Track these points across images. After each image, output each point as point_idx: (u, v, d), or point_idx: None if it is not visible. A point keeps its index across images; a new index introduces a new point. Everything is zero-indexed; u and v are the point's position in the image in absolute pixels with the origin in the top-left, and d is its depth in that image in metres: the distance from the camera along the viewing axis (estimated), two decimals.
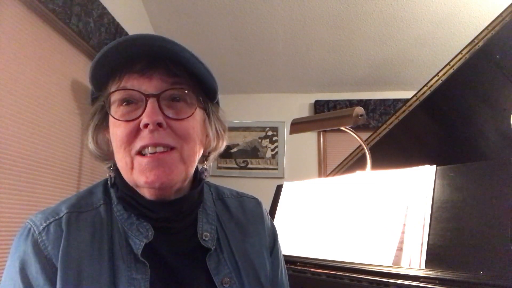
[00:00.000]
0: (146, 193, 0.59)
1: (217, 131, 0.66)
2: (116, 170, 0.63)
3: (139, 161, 0.56)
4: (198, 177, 0.66)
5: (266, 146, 3.53)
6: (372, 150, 1.40)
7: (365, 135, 1.52)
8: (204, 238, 0.62)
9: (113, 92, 0.58)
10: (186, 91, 0.59)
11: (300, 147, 3.47)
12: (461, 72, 1.20)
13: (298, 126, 1.50)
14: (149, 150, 0.56)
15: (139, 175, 0.56)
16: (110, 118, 0.59)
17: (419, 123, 1.44)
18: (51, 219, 0.57)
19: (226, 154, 3.48)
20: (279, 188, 1.50)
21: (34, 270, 0.53)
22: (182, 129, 0.58)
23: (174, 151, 0.57)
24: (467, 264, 0.84)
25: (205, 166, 0.67)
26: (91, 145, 0.63)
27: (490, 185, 0.90)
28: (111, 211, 0.60)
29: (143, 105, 0.56)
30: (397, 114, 1.41)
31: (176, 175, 0.57)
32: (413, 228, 0.97)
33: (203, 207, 0.66)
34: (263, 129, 3.57)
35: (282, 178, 3.34)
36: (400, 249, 0.98)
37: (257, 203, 0.75)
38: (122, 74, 0.58)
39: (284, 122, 3.49)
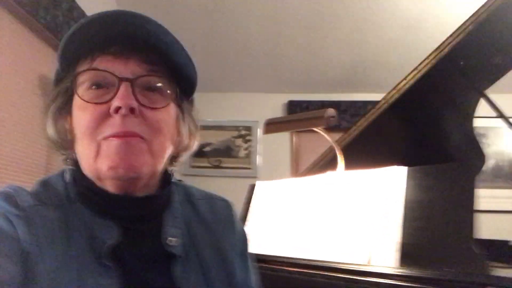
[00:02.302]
0: (110, 186, 0.54)
1: (189, 130, 0.62)
2: (75, 163, 0.58)
3: (106, 144, 0.51)
4: (167, 178, 0.63)
5: (239, 146, 3.53)
6: (343, 151, 1.43)
7: (337, 135, 1.55)
8: (169, 243, 0.57)
9: (83, 71, 0.53)
10: (163, 82, 0.55)
11: (273, 147, 3.49)
12: (428, 76, 1.24)
13: (271, 126, 1.51)
14: (117, 134, 0.52)
15: (104, 159, 0.51)
16: (76, 101, 0.54)
17: (388, 125, 1.48)
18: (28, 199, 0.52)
19: (199, 153, 3.46)
20: (252, 188, 1.51)
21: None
22: (155, 120, 0.54)
23: (143, 141, 0.53)
24: (434, 261, 0.88)
25: (174, 168, 0.64)
26: (50, 129, 0.57)
27: (454, 186, 0.94)
28: (71, 210, 0.55)
29: (114, 90, 0.52)
30: (367, 115, 1.45)
31: (143, 164, 0.53)
32: (385, 227, 1.01)
33: (170, 210, 0.61)
34: (236, 128, 3.57)
35: (256, 177, 3.35)
36: (373, 248, 1.00)
37: (228, 205, 0.71)
38: (95, 54, 0.53)
39: (258, 121, 3.51)
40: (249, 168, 3.47)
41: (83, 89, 0.54)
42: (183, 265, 0.57)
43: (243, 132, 3.56)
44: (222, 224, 0.67)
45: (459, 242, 0.87)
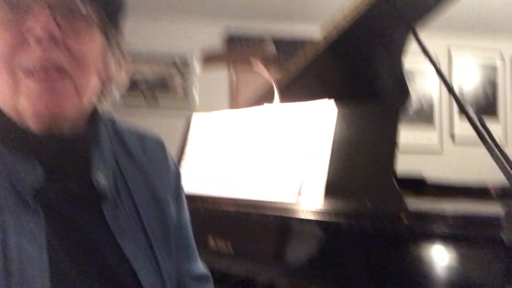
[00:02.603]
0: (32, 124, 0.49)
1: (118, 61, 0.58)
2: None
3: (26, 83, 0.46)
4: (95, 114, 0.58)
5: (175, 79, 3.39)
6: (280, 86, 1.43)
7: (275, 72, 1.53)
8: (99, 183, 0.54)
9: None
10: (86, 6, 0.49)
11: (211, 82, 3.40)
12: (366, 15, 1.24)
13: (209, 59, 1.47)
14: (38, 70, 0.46)
15: (25, 101, 0.47)
16: None
17: (325, 63, 1.49)
18: None
19: (131, 85, 3.26)
20: (189, 120, 1.48)
21: None
22: (80, 52, 0.49)
23: (68, 79, 0.48)
24: (358, 197, 0.95)
25: (103, 103, 0.60)
26: None
27: (380, 125, 0.99)
28: None
29: (30, 12, 0.46)
30: (306, 52, 1.44)
31: (69, 107, 0.49)
32: (313, 164, 1.05)
33: (98, 148, 0.57)
34: (172, 60, 3.39)
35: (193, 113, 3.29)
36: (302, 184, 1.04)
37: (160, 144, 0.69)
38: None
39: (195, 54, 3.35)
40: (185, 103, 3.38)
41: None
42: (115, 205, 0.55)
43: (179, 65, 3.40)
44: (155, 163, 0.65)
45: (381, 178, 0.93)
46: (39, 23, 0.45)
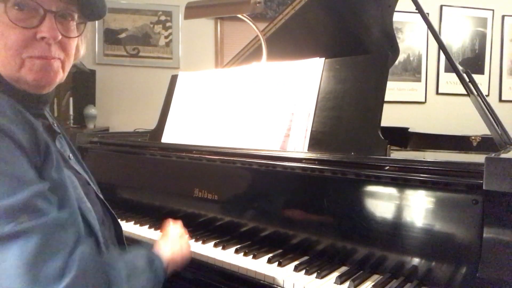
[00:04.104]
0: (28, 88, 0.67)
1: (84, 42, 0.77)
2: None
3: (32, 62, 0.65)
4: None
5: (159, 33, 3.27)
6: (268, 41, 1.40)
7: (263, 25, 1.49)
8: (57, 125, 0.76)
9: None
10: (77, 13, 0.69)
11: (196, 35, 3.30)
12: None
13: (193, 10, 1.40)
14: (41, 57, 0.65)
15: (29, 73, 0.65)
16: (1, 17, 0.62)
17: (313, 15, 1.46)
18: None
19: (114, 40, 3.14)
20: (174, 79, 1.45)
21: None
22: (69, 47, 0.69)
23: (59, 62, 0.68)
24: (343, 147, 0.97)
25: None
26: None
27: (368, 78, 0.99)
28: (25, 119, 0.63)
29: (38, 17, 0.63)
30: (294, 4, 1.40)
31: (56, 78, 0.69)
32: (299, 116, 1.06)
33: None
34: (155, 13, 3.25)
35: (177, 68, 3.21)
36: (287, 136, 1.07)
37: None
38: None
39: (179, 6, 3.22)
40: (170, 58, 3.29)
41: (4, 6, 0.61)
42: (62, 140, 0.76)
43: (162, 18, 3.27)
44: None
45: (367, 129, 0.95)
46: (49, 31, 0.64)
